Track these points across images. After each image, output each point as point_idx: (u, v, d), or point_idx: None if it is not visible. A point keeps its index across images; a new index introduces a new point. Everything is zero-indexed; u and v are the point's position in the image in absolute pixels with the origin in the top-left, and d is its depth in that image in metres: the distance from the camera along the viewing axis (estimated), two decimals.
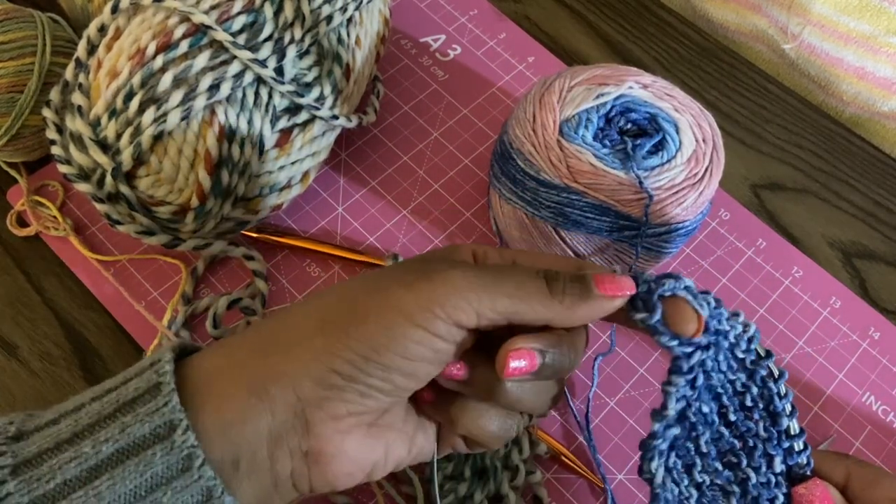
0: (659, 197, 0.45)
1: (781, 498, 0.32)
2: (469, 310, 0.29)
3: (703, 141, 0.47)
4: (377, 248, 0.53)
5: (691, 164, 0.46)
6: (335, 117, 0.49)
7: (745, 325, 0.33)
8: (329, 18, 0.47)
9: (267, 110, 0.45)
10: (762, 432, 0.32)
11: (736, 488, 0.32)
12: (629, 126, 0.48)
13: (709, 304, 0.31)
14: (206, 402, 0.28)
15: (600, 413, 0.48)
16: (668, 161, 0.46)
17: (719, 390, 0.33)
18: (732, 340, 0.32)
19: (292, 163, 0.48)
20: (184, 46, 0.43)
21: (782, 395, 0.32)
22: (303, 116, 0.47)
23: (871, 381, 0.51)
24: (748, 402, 0.33)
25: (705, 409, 0.32)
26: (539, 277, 0.30)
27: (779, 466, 0.32)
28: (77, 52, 0.46)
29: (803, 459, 0.32)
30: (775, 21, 0.64)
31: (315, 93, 0.48)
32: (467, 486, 0.43)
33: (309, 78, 0.48)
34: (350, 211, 0.54)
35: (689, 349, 0.30)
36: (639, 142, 0.46)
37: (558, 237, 0.47)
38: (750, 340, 0.33)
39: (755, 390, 0.32)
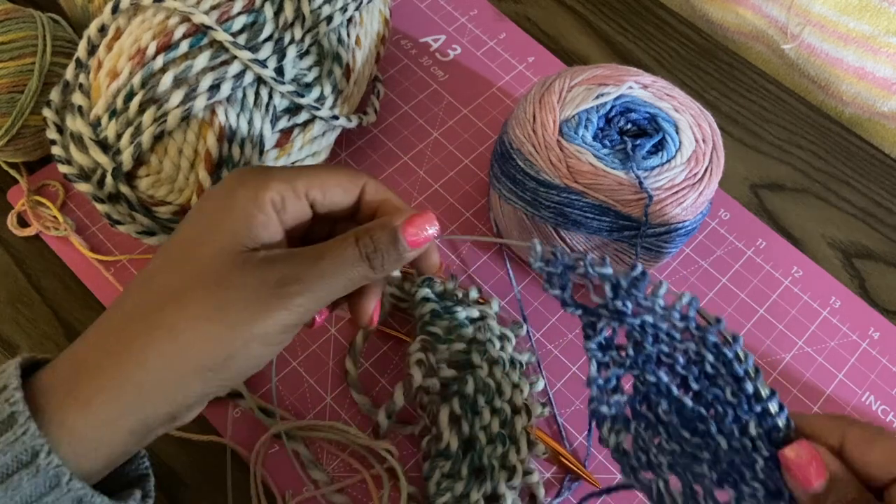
0: (659, 197, 0.45)
1: (761, 462, 0.31)
2: (312, 313, 0.33)
3: (703, 141, 0.47)
4: None
5: (691, 164, 0.46)
6: (335, 117, 0.49)
7: (681, 296, 0.32)
8: (329, 18, 0.48)
9: (267, 110, 0.46)
10: (730, 397, 0.32)
11: (706, 454, 0.32)
12: (629, 126, 0.48)
13: (616, 281, 0.32)
14: (83, 448, 0.30)
15: None
16: (668, 161, 0.46)
17: (666, 360, 0.33)
18: (660, 311, 0.32)
19: (292, 163, 0.48)
20: (184, 46, 0.43)
21: (741, 358, 0.31)
22: (303, 116, 0.47)
23: (870, 381, 0.51)
24: (708, 370, 0.32)
25: (651, 378, 0.33)
26: (361, 260, 0.33)
27: (753, 430, 0.31)
28: (77, 52, 0.46)
29: (781, 421, 0.31)
30: (775, 21, 0.64)
31: (315, 93, 0.48)
32: (464, 484, 0.43)
33: (309, 78, 0.48)
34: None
35: (593, 318, 0.33)
36: (639, 142, 0.47)
37: (558, 237, 0.47)
38: (685, 310, 0.31)
39: (711, 357, 0.31)
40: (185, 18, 0.43)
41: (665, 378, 0.33)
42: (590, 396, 0.34)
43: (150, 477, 0.36)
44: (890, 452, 0.29)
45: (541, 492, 0.44)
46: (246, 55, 0.44)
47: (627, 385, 0.34)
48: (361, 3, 0.50)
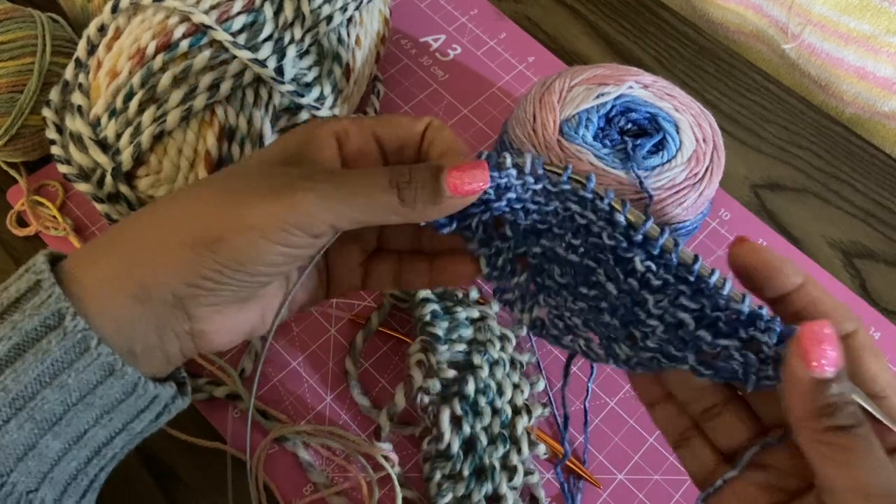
0: (659, 197, 0.45)
1: (651, 298, 0.31)
2: (323, 225, 0.31)
3: (704, 141, 0.47)
4: None
5: (691, 163, 0.46)
6: (335, 117, 0.49)
7: (524, 159, 0.32)
8: (329, 18, 0.47)
9: (267, 110, 0.45)
10: (607, 240, 0.32)
11: (604, 304, 0.33)
12: (629, 126, 0.48)
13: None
14: (91, 307, 0.30)
15: (600, 413, 0.48)
16: (669, 161, 0.46)
17: (542, 226, 0.34)
18: (515, 181, 0.32)
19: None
20: (184, 46, 0.43)
21: (601, 195, 0.32)
22: (303, 116, 0.47)
23: None
24: (580, 221, 0.32)
25: (537, 249, 0.34)
26: (391, 188, 0.31)
27: (640, 266, 0.31)
28: (77, 52, 0.46)
29: (665, 241, 0.31)
30: (776, 21, 0.64)
31: (315, 93, 0.48)
32: (465, 485, 0.43)
33: (309, 78, 0.47)
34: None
35: (464, 221, 0.34)
36: (639, 142, 0.46)
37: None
38: (534, 172, 0.32)
39: (576, 207, 0.32)
40: (185, 18, 0.43)
41: (547, 243, 0.34)
42: (493, 289, 0.35)
43: (187, 383, 0.36)
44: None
45: (541, 492, 0.44)
46: (246, 55, 0.43)
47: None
48: (361, 2, 0.50)
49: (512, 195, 0.33)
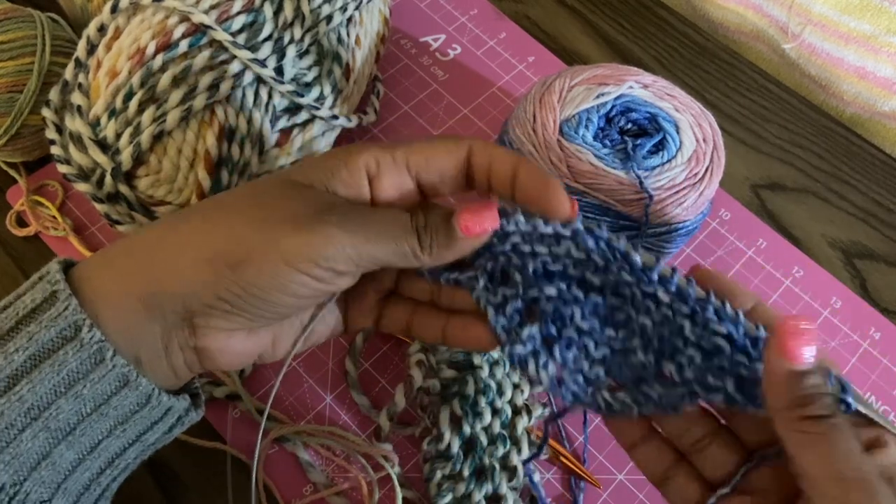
0: (659, 197, 0.45)
1: (688, 325, 0.30)
2: (348, 262, 0.31)
3: (704, 141, 0.47)
4: None
5: (692, 163, 0.46)
6: (335, 117, 0.49)
7: (519, 212, 0.32)
8: (329, 18, 0.47)
9: (267, 110, 0.45)
10: (628, 277, 0.31)
11: (636, 341, 0.32)
12: (629, 126, 0.48)
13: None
14: (102, 311, 0.30)
15: None
16: (669, 161, 0.46)
17: (555, 268, 0.32)
18: (523, 228, 0.32)
19: (292, 163, 0.48)
20: (183, 46, 0.43)
21: (612, 239, 0.31)
22: (303, 116, 0.47)
23: (871, 381, 0.51)
24: (597, 261, 0.31)
25: (551, 291, 0.32)
26: (413, 232, 0.32)
27: (664, 296, 0.31)
28: (77, 52, 0.46)
29: (679, 280, 0.30)
30: (776, 21, 0.64)
31: (315, 93, 0.48)
32: (465, 485, 0.43)
33: (309, 78, 0.47)
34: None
35: (468, 270, 0.33)
36: (639, 142, 0.46)
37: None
38: (533, 222, 0.32)
39: (591, 243, 0.31)
40: (185, 18, 0.43)
41: (564, 286, 0.32)
42: (502, 345, 0.33)
43: (201, 395, 0.36)
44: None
45: (541, 492, 0.44)
46: (245, 55, 0.43)
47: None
48: (361, 2, 0.50)
49: (517, 238, 0.32)
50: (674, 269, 0.31)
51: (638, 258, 0.31)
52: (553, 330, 0.33)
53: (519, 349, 0.33)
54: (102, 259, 0.32)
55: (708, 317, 0.30)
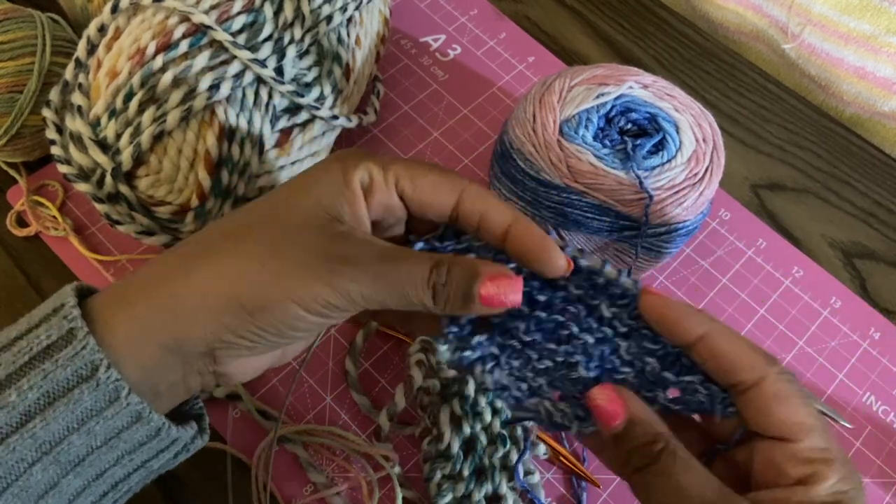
0: (659, 197, 0.45)
1: (624, 344, 0.32)
2: (360, 307, 0.32)
3: (704, 141, 0.47)
4: None
5: (691, 164, 0.46)
6: (335, 117, 0.49)
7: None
8: (329, 18, 0.47)
9: (267, 110, 0.45)
10: (574, 290, 0.32)
11: (578, 356, 0.32)
12: (629, 126, 0.48)
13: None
14: (120, 353, 0.30)
15: None
16: (669, 161, 0.46)
17: None
18: (476, 243, 0.33)
19: (292, 163, 0.48)
20: (184, 46, 0.43)
21: (562, 246, 0.32)
22: (303, 116, 0.47)
23: (871, 381, 0.51)
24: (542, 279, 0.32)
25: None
26: (428, 288, 0.31)
27: (607, 311, 0.32)
28: (77, 52, 0.46)
29: (626, 283, 0.31)
30: (775, 21, 0.64)
31: (315, 93, 0.48)
32: (465, 485, 0.43)
33: (309, 78, 0.47)
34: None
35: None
36: (639, 142, 0.46)
37: (559, 237, 0.47)
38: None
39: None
40: (185, 18, 0.43)
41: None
42: (453, 350, 0.34)
43: (205, 417, 0.37)
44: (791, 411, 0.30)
45: (541, 493, 0.44)
46: (245, 55, 0.43)
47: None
48: (361, 2, 0.50)
49: (472, 255, 0.33)
50: (620, 271, 0.32)
51: (583, 262, 0.32)
52: (500, 339, 0.34)
53: (468, 354, 0.33)
54: (121, 297, 0.32)
55: (643, 334, 0.32)
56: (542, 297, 0.33)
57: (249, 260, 0.31)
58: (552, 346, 0.33)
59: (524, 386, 0.33)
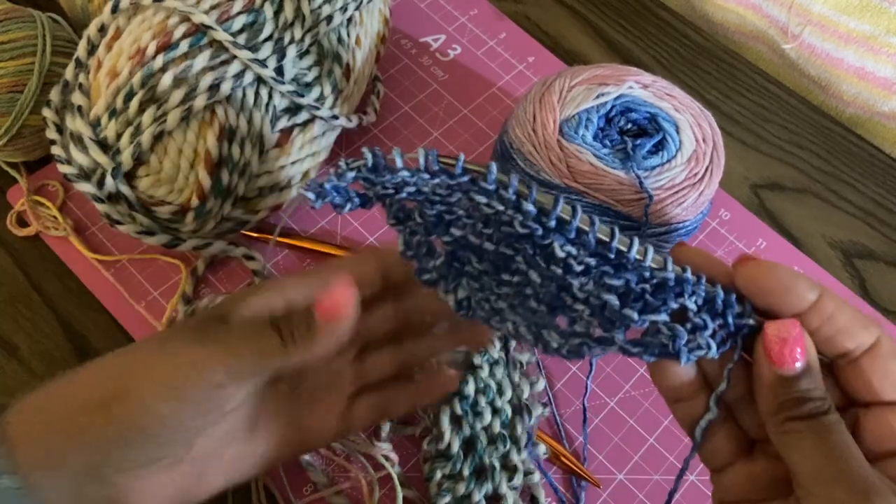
0: (659, 197, 0.45)
1: (576, 282, 0.30)
2: (217, 376, 0.32)
3: (704, 141, 0.47)
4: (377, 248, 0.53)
5: (691, 163, 0.46)
6: (335, 117, 0.49)
7: (418, 154, 0.32)
8: (329, 18, 0.47)
9: (267, 110, 0.45)
10: (520, 229, 0.30)
11: (529, 290, 0.32)
12: (629, 126, 0.48)
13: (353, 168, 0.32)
14: (29, 476, 0.30)
15: (600, 413, 0.48)
16: (669, 161, 0.46)
17: (449, 217, 0.32)
18: (409, 177, 0.31)
19: (292, 163, 0.48)
20: (184, 46, 0.43)
21: (505, 183, 0.30)
22: (303, 116, 0.47)
23: None
24: (488, 211, 0.31)
25: (446, 238, 0.33)
26: (273, 331, 0.32)
27: (560, 252, 0.30)
28: (77, 52, 0.46)
29: (582, 225, 0.29)
30: (775, 21, 0.64)
31: (315, 93, 0.48)
32: (465, 485, 0.43)
33: (309, 78, 0.48)
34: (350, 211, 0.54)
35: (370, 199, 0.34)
36: (639, 142, 0.46)
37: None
38: (429, 166, 0.31)
39: (480, 198, 0.30)
40: (185, 18, 0.43)
41: (458, 232, 0.32)
42: (415, 269, 0.34)
43: None
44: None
45: (541, 492, 0.44)
46: (246, 55, 0.43)
47: None
48: (361, 2, 0.50)
49: (411, 189, 0.32)
50: (574, 209, 0.30)
51: (530, 206, 0.30)
52: (456, 263, 0.34)
53: (427, 276, 0.34)
54: (34, 414, 0.32)
55: (603, 270, 0.30)
56: (487, 231, 0.32)
57: (110, 357, 0.33)
58: (506, 276, 0.32)
59: (487, 306, 0.33)
